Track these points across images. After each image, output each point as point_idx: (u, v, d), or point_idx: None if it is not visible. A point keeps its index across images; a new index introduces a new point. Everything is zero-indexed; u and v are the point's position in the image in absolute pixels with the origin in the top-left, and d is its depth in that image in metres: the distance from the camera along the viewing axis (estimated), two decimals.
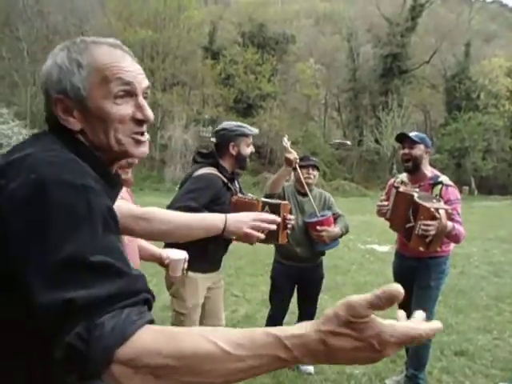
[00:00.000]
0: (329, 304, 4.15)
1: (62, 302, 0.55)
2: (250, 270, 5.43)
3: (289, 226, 2.03)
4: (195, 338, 0.55)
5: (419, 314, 0.58)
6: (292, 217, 1.91)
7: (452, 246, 2.57)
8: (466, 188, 22.87)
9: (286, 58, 27.71)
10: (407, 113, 24.54)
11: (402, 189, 2.46)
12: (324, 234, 2.64)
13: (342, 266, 5.86)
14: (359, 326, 0.52)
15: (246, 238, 1.92)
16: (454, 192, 2.47)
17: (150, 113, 0.77)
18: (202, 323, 2.24)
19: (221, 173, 2.13)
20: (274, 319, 2.93)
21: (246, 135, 2.16)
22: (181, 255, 1.71)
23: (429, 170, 2.57)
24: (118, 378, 0.53)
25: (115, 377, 0.53)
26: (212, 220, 1.21)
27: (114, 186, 0.79)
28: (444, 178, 2.52)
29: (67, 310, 0.54)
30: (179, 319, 2.10)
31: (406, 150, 2.53)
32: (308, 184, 2.69)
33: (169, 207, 1.90)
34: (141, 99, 0.76)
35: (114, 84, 0.73)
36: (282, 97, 27.08)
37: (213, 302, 2.28)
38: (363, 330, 0.52)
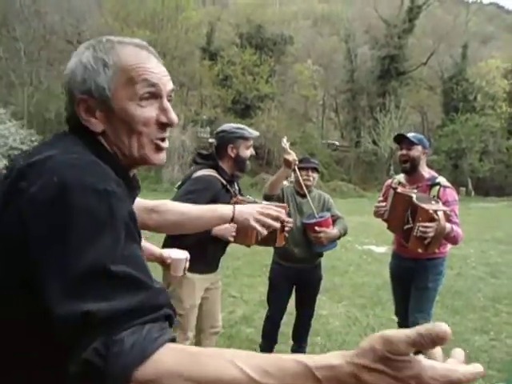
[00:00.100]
0: (327, 305, 4.15)
1: (81, 315, 0.52)
2: (247, 270, 5.43)
3: (286, 228, 2.03)
4: (220, 362, 0.52)
5: (459, 354, 0.51)
6: (290, 220, 1.91)
7: (449, 247, 2.57)
8: (462, 189, 22.96)
9: (284, 59, 27.75)
10: (404, 114, 24.62)
11: (400, 190, 2.46)
12: (322, 235, 2.63)
13: (340, 266, 5.86)
14: (397, 363, 0.46)
15: (246, 237, 1.90)
16: (451, 193, 2.47)
17: (174, 116, 0.75)
18: (198, 324, 2.23)
19: (220, 175, 2.13)
20: (272, 320, 2.93)
21: (245, 138, 2.15)
22: (182, 255, 1.71)
23: (426, 171, 2.57)
24: None
25: None
26: (221, 210, 1.24)
27: (132, 189, 0.78)
28: (441, 180, 2.52)
29: (85, 323, 0.53)
30: (176, 320, 2.10)
31: (404, 151, 2.53)
32: (307, 186, 2.68)
33: None
34: (165, 102, 0.75)
35: (140, 85, 0.71)
36: (279, 98, 27.11)
37: (210, 303, 2.28)
38: (401, 368, 0.46)
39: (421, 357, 0.47)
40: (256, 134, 2.21)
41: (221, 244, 2.10)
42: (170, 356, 0.52)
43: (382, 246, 7.27)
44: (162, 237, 2.07)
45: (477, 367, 0.48)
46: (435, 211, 2.19)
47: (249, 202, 1.90)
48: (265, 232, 1.29)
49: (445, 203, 2.36)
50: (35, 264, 0.57)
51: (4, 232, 0.61)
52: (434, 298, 2.55)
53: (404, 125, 23.52)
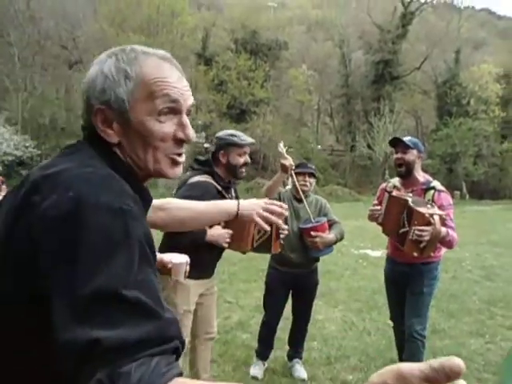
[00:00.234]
0: (323, 310, 4.15)
1: (87, 342, 0.50)
2: (243, 276, 5.41)
3: (281, 235, 2.02)
4: None
5: None
6: (285, 226, 1.90)
7: (443, 251, 2.58)
8: (457, 193, 23.09)
9: (279, 64, 27.88)
10: (399, 118, 24.77)
11: (395, 193, 2.46)
12: (318, 240, 2.63)
13: (336, 271, 5.86)
14: None
15: (240, 243, 1.90)
16: (446, 197, 2.48)
17: (191, 132, 0.74)
18: (193, 329, 2.22)
19: (216, 181, 2.13)
20: (269, 325, 2.92)
21: (236, 145, 2.14)
22: (182, 259, 1.72)
23: (421, 175, 2.58)
24: None
25: None
26: (226, 205, 1.25)
27: (147, 201, 0.77)
28: (436, 184, 2.53)
29: (91, 351, 0.50)
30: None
31: (399, 155, 2.54)
32: (304, 191, 2.69)
33: None
34: (184, 118, 0.73)
35: (161, 100, 0.70)
36: (275, 103, 27.20)
37: (205, 309, 2.26)
38: None
39: None
40: (249, 141, 2.18)
41: (216, 250, 2.10)
42: None
43: (377, 250, 7.28)
44: (160, 236, 2.06)
45: None
46: (431, 215, 2.20)
47: None
48: (267, 228, 1.29)
49: (440, 207, 2.37)
50: (45, 281, 0.56)
51: (15, 247, 0.59)
52: (429, 302, 2.56)
53: (398, 129, 23.65)
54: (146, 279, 0.58)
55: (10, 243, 0.60)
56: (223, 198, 2.12)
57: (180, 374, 0.53)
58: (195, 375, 2.28)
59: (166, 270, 1.68)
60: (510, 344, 3.41)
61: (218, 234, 2.04)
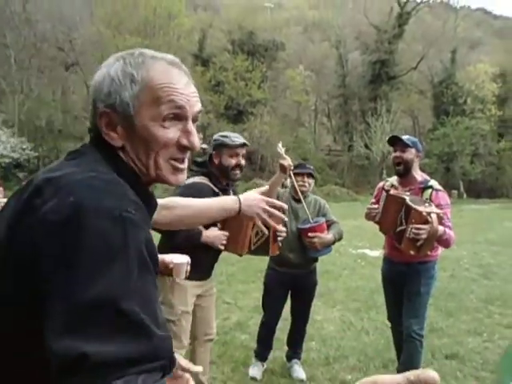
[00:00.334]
0: (321, 310, 4.15)
1: (74, 355, 0.50)
2: (241, 276, 5.41)
3: (279, 238, 2.00)
4: None
5: None
6: (283, 229, 1.90)
7: (440, 250, 2.58)
8: (454, 192, 23.16)
9: (276, 64, 27.91)
10: (396, 118, 24.84)
11: (392, 192, 2.47)
12: (316, 240, 2.64)
13: (334, 271, 5.87)
14: None
15: (237, 245, 1.91)
16: (443, 197, 2.49)
17: (196, 140, 0.72)
18: (193, 331, 2.22)
19: (212, 182, 2.13)
20: (267, 326, 2.92)
21: (226, 146, 2.13)
22: (183, 259, 1.75)
23: (419, 174, 2.58)
24: None
25: None
26: (228, 202, 1.25)
27: (151, 206, 0.76)
28: (434, 183, 2.53)
29: (78, 365, 0.50)
30: (168, 327, 2.08)
31: (398, 154, 2.54)
32: (302, 191, 2.69)
33: None
34: (189, 124, 0.72)
35: (166, 106, 0.69)
36: (272, 103, 27.22)
37: (204, 310, 2.26)
38: None
39: None
40: (239, 142, 2.15)
41: (212, 251, 2.09)
42: None
43: (375, 250, 7.29)
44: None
45: None
46: (429, 213, 2.21)
47: None
48: (266, 231, 1.30)
49: (437, 206, 2.37)
50: (46, 285, 0.55)
51: (16, 249, 0.59)
52: (426, 301, 2.56)
53: (395, 129, 23.71)
54: (144, 290, 0.57)
55: (12, 246, 0.60)
56: None
57: None
58: (194, 377, 2.28)
59: (167, 270, 1.72)
60: (508, 342, 3.42)
61: (213, 235, 2.03)
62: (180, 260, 1.72)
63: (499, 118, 27.95)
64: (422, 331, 2.53)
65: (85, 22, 23.48)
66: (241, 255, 2.01)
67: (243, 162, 2.19)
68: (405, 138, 2.56)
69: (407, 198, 2.32)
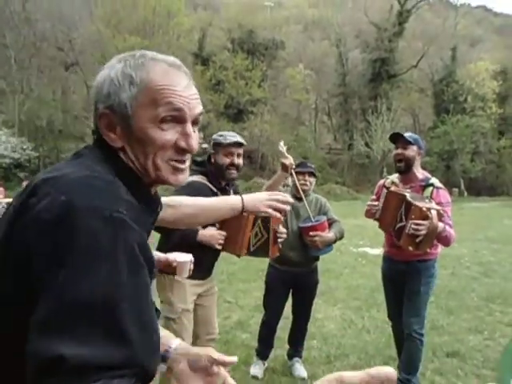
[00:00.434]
0: (322, 308, 4.16)
1: (51, 357, 0.50)
2: (242, 275, 5.42)
3: (279, 239, 1.95)
4: None
5: None
6: (284, 230, 1.89)
7: (440, 248, 2.58)
8: (455, 190, 23.15)
9: (276, 63, 27.89)
10: (396, 116, 24.82)
11: (393, 188, 2.46)
12: (317, 239, 2.64)
13: (335, 269, 5.87)
14: None
15: (235, 246, 1.91)
16: (444, 195, 2.47)
17: (194, 143, 0.72)
18: (195, 331, 2.22)
19: (211, 182, 2.12)
20: (269, 324, 2.93)
21: (220, 145, 2.12)
22: (187, 257, 1.78)
23: (420, 172, 2.57)
24: None
25: None
26: (231, 201, 1.28)
27: (152, 206, 0.76)
28: (435, 181, 2.52)
29: (53, 367, 0.50)
30: (169, 325, 2.09)
31: (399, 150, 2.52)
32: (304, 190, 2.70)
33: None
34: (188, 127, 0.72)
35: (163, 108, 0.69)
36: (272, 102, 27.22)
37: (206, 310, 2.26)
38: None
39: None
40: (232, 140, 2.12)
41: (210, 251, 2.06)
42: None
43: (376, 248, 7.29)
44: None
45: None
46: (429, 209, 2.20)
47: None
48: (278, 215, 1.32)
49: (438, 204, 2.36)
50: (39, 284, 0.56)
51: (14, 249, 0.60)
52: (426, 300, 2.55)
53: (396, 127, 23.66)
54: (133, 292, 0.56)
55: (10, 245, 0.61)
56: None
57: None
58: None
59: (171, 268, 1.76)
60: (509, 340, 3.42)
61: (209, 234, 2.01)
62: (183, 258, 1.76)
63: (500, 115, 27.91)
64: (423, 330, 2.53)
65: (84, 21, 23.48)
66: (239, 256, 1.99)
67: (239, 161, 2.15)
68: (407, 135, 2.55)
69: (407, 195, 2.31)
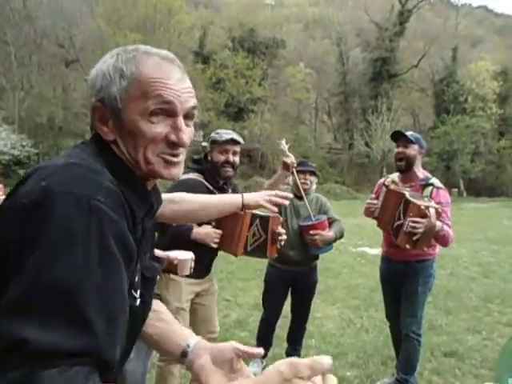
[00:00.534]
0: (321, 307, 4.16)
1: (15, 340, 0.50)
2: (241, 274, 5.42)
3: (279, 241, 1.90)
4: None
5: (332, 380, 0.60)
6: (283, 231, 1.86)
7: (438, 248, 2.57)
8: (455, 190, 23.17)
9: (276, 62, 27.85)
10: (396, 116, 24.81)
11: (392, 187, 2.46)
12: (317, 237, 2.65)
13: (334, 269, 5.88)
14: None
15: (231, 245, 1.92)
16: (444, 195, 2.47)
17: (185, 137, 0.71)
18: (196, 330, 2.22)
19: (207, 180, 2.11)
20: (268, 323, 2.93)
21: (215, 142, 2.12)
22: (188, 255, 1.79)
23: (421, 172, 2.56)
24: None
25: None
26: (232, 198, 1.32)
27: (148, 200, 0.74)
28: (435, 181, 2.52)
29: (15, 350, 0.50)
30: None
31: (401, 149, 2.51)
32: (304, 189, 2.70)
33: None
34: (179, 120, 0.71)
35: (153, 101, 0.68)
36: (272, 101, 27.19)
37: (206, 309, 2.25)
38: None
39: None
40: (227, 137, 2.10)
41: (207, 249, 2.02)
42: None
43: (375, 248, 7.30)
44: None
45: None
46: (427, 207, 2.19)
47: None
48: (275, 209, 1.35)
49: (437, 204, 2.35)
50: (11, 268, 0.56)
51: (2, 237, 0.60)
52: (424, 301, 2.55)
53: (396, 127, 23.62)
54: (103, 282, 0.56)
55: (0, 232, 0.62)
56: None
57: None
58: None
59: (171, 266, 1.77)
60: (507, 340, 3.43)
61: (204, 232, 1.99)
62: (184, 256, 1.78)
63: (500, 116, 27.91)
64: (420, 330, 2.53)
65: (85, 18, 23.43)
66: (236, 255, 1.95)
67: (235, 159, 2.13)
68: (408, 133, 2.54)
69: (406, 193, 2.31)
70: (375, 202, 2.53)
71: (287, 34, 29.73)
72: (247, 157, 24.78)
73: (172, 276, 2.03)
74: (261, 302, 3.04)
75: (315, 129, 31.05)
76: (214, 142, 2.13)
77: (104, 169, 0.65)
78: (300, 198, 2.72)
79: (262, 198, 1.30)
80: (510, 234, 9.83)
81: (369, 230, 7.93)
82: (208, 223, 2.00)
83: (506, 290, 5.04)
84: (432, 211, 2.19)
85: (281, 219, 1.89)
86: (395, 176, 2.66)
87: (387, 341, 3.17)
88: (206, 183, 2.10)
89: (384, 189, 2.51)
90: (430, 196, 2.42)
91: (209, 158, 2.15)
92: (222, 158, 2.10)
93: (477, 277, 5.76)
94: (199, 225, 2.03)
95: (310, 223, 2.68)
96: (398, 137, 2.55)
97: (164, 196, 1.24)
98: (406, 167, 2.51)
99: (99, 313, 0.55)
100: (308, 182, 2.77)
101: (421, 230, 2.18)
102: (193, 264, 1.81)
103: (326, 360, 0.55)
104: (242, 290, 4.78)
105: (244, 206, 1.28)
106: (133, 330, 0.71)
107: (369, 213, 2.57)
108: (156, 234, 2.08)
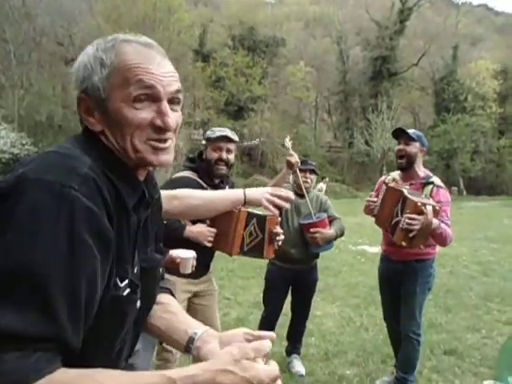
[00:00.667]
0: (321, 306, 4.17)
1: None
2: (241, 272, 5.42)
3: (278, 239, 1.85)
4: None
5: (273, 364, 0.66)
6: (281, 231, 1.82)
7: (438, 248, 2.55)
8: (454, 189, 23.16)
9: (277, 60, 27.82)
10: (396, 115, 24.78)
11: (392, 184, 2.45)
12: (318, 235, 2.65)
13: (334, 267, 5.88)
14: (244, 365, 0.60)
15: (226, 244, 1.91)
16: (444, 194, 2.45)
17: (170, 121, 0.70)
18: None
19: (201, 178, 2.08)
20: (268, 321, 2.93)
21: (208, 139, 2.10)
22: (189, 254, 1.80)
23: (421, 170, 2.55)
24: None
25: None
26: (233, 193, 1.32)
27: (137, 190, 0.73)
28: (436, 179, 2.50)
29: None
30: None
31: (402, 146, 2.49)
32: (305, 187, 2.70)
33: None
34: (164, 105, 0.70)
35: (134, 87, 0.68)
36: (272, 99, 27.16)
37: (207, 309, 2.22)
38: (247, 369, 0.60)
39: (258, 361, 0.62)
40: (219, 134, 2.08)
41: (202, 249, 1.96)
42: None
43: (375, 246, 7.30)
44: None
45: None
46: (424, 204, 2.18)
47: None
48: (276, 212, 1.34)
49: (437, 203, 2.34)
50: None
51: None
52: (423, 300, 2.54)
53: (396, 125, 23.56)
54: (66, 269, 0.56)
55: None
56: None
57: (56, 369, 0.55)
58: None
59: (174, 264, 1.78)
60: (506, 339, 3.43)
61: (197, 230, 1.94)
62: (186, 255, 1.79)
63: (500, 115, 27.90)
64: (420, 330, 2.52)
65: (84, 16, 23.38)
66: (231, 255, 1.90)
67: (229, 156, 2.09)
68: (410, 131, 2.52)
69: (405, 191, 2.31)
70: (375, 199, 2.53)
71: (287, 32, 29.67)
72: (247, 155, 24.78)
73: (167, 276, 2.01)
74: (261, 300, 3.05)
75: (315, 127, 31.03)
76: (207, 140, 2.12)
77: (85, 156, 0.65)
78: (301, 196, 2.72)
79: (264, 197, 1.28)
80: (510, 232, 9.84)
81: (369, 229, 7.93)
82: (203, 221, 1.97)
83: (505, 288, 5.05)
84: (429, 208, 2.17)
85: (278, 219, 1.85)
86: (396, 174, 2.65)
87: (387, 339, 3.17)
88: (200, 181, 2.07)
89: (384, 187, 2.51)
90: (430, 195, 2.41)
91: (204, 156, 2.14)
92: (215, 155, 2.07)
93: (476, 275, 5.76)
94: (193, 223, 2.00)
95: (310, 221, 2.68)
96: (400, 134, 2.54)
97: (167, 192, 1.23)
98: (406, 165, 2.50)
99: (64, 300, 0.56)
100: (308, 180, 2.78)
101: (417, 227, 2.16)
102: (195, 262, 1.81)
103: (266, 343, 0.63)
104: (242, 288, 4.78)
105: (245, 202, 1.29)
106: (124, 319, 0.71)
107: (368, 211, 2.56)
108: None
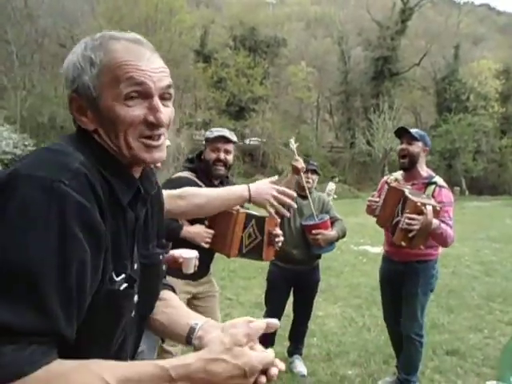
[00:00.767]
0: (323, 306, 4.17)
1: None
2: (242, 273, 5.43)
3: (277, 241, 1.84)
4: (87, 378, 0.56)
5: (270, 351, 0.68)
6: (280, 232, 1.82)
7: (440, 249, 2.54)
8: (457, 189, 23.09)
9: (278, 61, 27.81)
10: (398, 115, 24.72)
11: (393, 184, 2.44)
12: (320, 237, 2.65)
13: (336, 267, 5.88)
14: (236, 352, 0.61)
15: (224, 246, 1.90)
16: (447, 194, 2.44)
17: (162, 116, 0.70)
18: None
19: (199, 178, 2.07)
20: None
21: (207, 140, 2.11)
22: (192, 254, 1.80)
23: (424, 170, 2.54)
24: None
25: None
26: (238, 190, 1.30)
27: (131, 186, 0.73)
28: (438, 179, 2.49)
29: None
30: None
31: (404, 146, 2.48)
32: (307, 188, 2.70)
33: None
34: (155, 101, 0.70)
35: (125, 84, 0.68)
36: (274, 100, 27.15)
37: (209, 311, 2.20)
38: (239, 356, 0.60)
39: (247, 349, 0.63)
40: (217, 134, 2.08)
41: (201, 250, 1.92)
42: (42, 379, 0.54)
43: (377, 247, 7.29)
44: None
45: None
46: (423, 204, 2.18)
47: (230, 210, 1.78)
48: (283, 210, 1.33)
49: (439, 203, 2.32)
50: None
51: None
52: (425, 302, 2.52)
53: (398, 125, 23.47)
54: (57, 264, 0.57)
55: None
56: None
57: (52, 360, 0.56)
58: None
59: (176, 264, 1.77)
60: (509, 339, 3.43)
61: (194, 231, 1.93)
62: (189, 255, 1.79)
63: (502, 114, 27.79)
64: (422, 331, 2.50)
65: (86, 17, 23.42)
66: (229, 256, 1.89)
67: (228, 157, 2.08)
68: (413, 131, 2.51)
69: (406, 191, 2.30)
70: (377, 199, 2.52)
71: (289, 32, 29.67)
72: (249, 156, 24.78)
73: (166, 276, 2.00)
74: (263, 300, 3.05)
75: (317, 127, 31.00)
76: (206, 140, 2.12)
77: (77, 152, 0.65)
78: (303, 197, 2.72)
79: (270, 194, 1.27)
80: None
81: (370, 229, 7.92)
82: (201, 222, 1.96)
83: (507, 288, 5.03)
84: (429, 208, 2.16)
85: (278, 220, 1.82)
86: (398, 174, 2.64)
87: (389, 339, 3.16)
88: (199, 182, 2.06)
89: (386, 186, 2.50)
90: (433, 195, 2.39)
91: (202, 156, 2.13)
92: (214, 155, 2.06)
93: (479, 275, 5.75)
94: (191, 223, 1.98)
95: (312, 223, 2.68)
96: (402, 133, 2.53)
97: (171, 192, 1.23)
98: (409, 164, 2.48)
99: (56, 294, 0.57)
100: (310, 180, 2.79)
101: (416, 227, 2.15)
102: (197, 262, 1.79)
103: (257, 327, 0.65)
104: (243, 288, 4.79)
105: (250, 200, 1.27)
106: (120, 313, 0.71)
107: (370, 211, 2.55)
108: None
